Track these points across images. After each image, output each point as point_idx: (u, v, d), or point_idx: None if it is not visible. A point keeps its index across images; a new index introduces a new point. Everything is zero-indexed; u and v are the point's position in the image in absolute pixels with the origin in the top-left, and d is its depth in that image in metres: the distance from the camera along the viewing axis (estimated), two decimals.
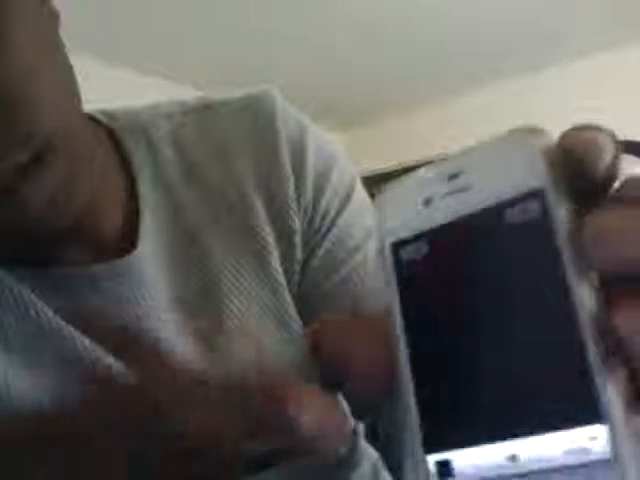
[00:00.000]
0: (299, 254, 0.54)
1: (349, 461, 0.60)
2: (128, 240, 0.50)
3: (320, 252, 0.54)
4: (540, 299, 0.22)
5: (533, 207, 0.22)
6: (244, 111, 0.56)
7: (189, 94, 0.61)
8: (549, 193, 0.22)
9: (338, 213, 0.55)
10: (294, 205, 0.54)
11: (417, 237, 0.25)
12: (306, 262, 0.54)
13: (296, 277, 0.54)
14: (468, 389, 0.23)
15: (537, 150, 0.22)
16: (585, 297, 0.21)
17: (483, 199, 0.23)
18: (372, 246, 0.55)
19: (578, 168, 0.22)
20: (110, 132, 0.53)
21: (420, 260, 0.24)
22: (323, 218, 0.55)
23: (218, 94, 0.59)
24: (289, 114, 0.56)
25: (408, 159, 4.85)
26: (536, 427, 0.21)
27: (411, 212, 0.25)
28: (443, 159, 0.25)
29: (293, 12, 3.45)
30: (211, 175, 0.54)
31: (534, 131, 0.23)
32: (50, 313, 0.47)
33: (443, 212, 0.24)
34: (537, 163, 0.22)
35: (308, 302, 0.54)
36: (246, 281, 0.52)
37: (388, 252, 0.25)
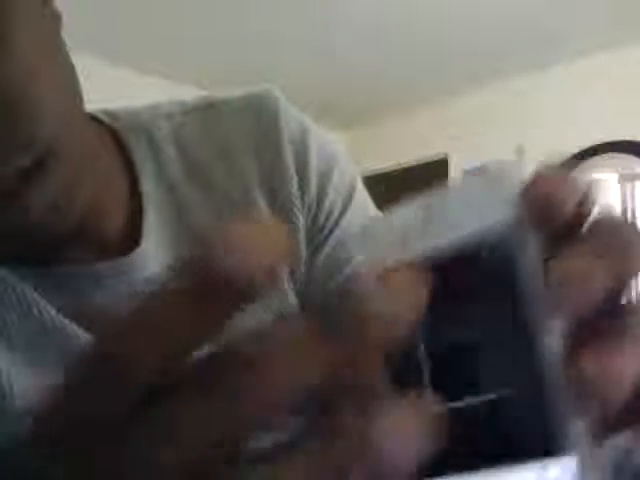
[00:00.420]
0: (303, 252, 0.54)
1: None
2: (131, 238, 0.50)
3: (324, 252, 0.55)
4: (509, 338, 0.22)
5: (504, 247, 0.22)
6: (246, 110, 0.56)
7: (190, 94, 0.61)
8: (519, 234, 0.22)
9: (341, 213, 0.55)
10: (298, 203, 0.54)
11: None
12: (310, 261, 0.55)
13: (300, 276, 0.54)
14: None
15: (508, 190, 0.22)
16: (552, 338, 0.21)
17: (456, 237, 0.23)
18: None
19: (545, 212, 0.22)
20: (112, 131, 0.54)
21: None
22: (327, 218, 0.55)
23: (219, 93, 0.59)
24: (291, 113, 0.57)
25: (408, 159, 4.86)
26: (506, 459, 0.22)
27: (386, 249, 0.25)
28: (418, 197, 0.25)
29: (294, 13, 3.45)
30: (214, 174, 0.54)
31: (506, 171, 0.23)
32: (53, 311, 0.47)
33: (417, 250, 0.24)
34: (508, 203, 0.22)
35: (312, 301, 0.54)
36: None
37: None
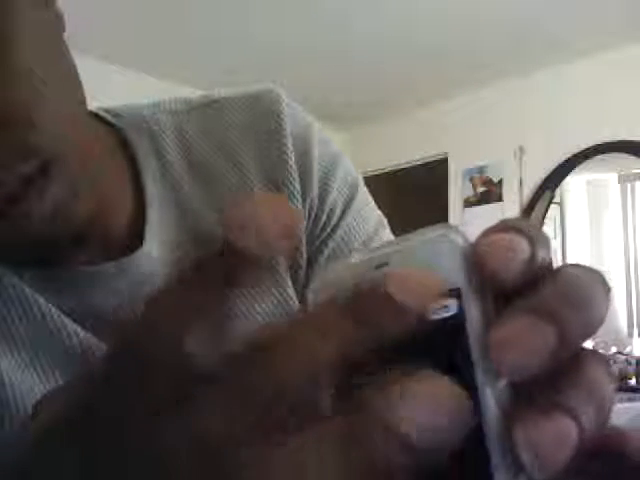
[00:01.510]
0: (304, 250, 0.54)
1: None
2: (133, 238, 0.50)
3: (326, 252, 0.54)
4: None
5: (451, 305, 0.22)
6: (249, 107, 0.56)
7: (187, 94, 0.61)
8: (466, 293, 0.22)
9: (343, 213, 0.55)
10: (299, 202, 0.54)
11: None
12: (311, 261, 0.55)
13: (302, 273, 0.54)
14: None
15: (457, 250, 0.23)
16: (492, 401, 0.21)
17: None
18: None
19: (490, 274, 0.22)
20: (114, 130, 0.54)
21: None
22: (329, 217, 0.55)
23: (221, 92, 0.59)
24: (294, 112, 0.56)
25: (408, 159, 4.86)
26: None
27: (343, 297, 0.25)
28: (372, 248, 0.25)
29: (294, 13, 3.45)
30: (217, 171, 0.54)
31: (456, 231, 0.23)
32: (56, 313, 0.47)
33: None
34: (456, 263, 0.22)
35: None
36: None
37: None
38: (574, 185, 4.05)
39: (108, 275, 0.48)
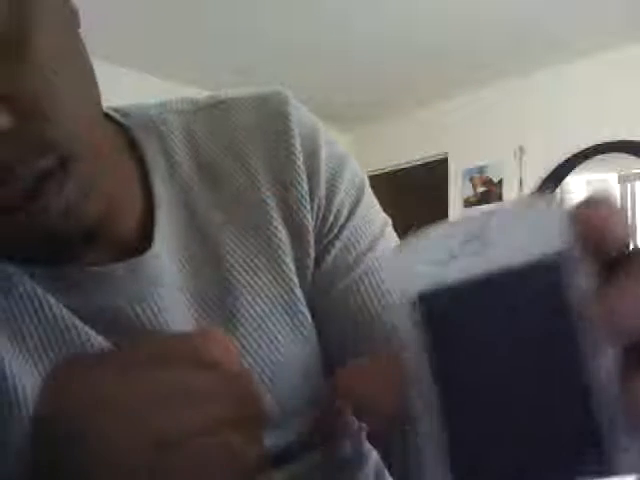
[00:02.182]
0: (312, 251, 0.54)
1: (352, 463, 0.60)
2: (143, 238, 0.50)
3: (332, 253, 0.54)
4: (556, 364, 0.22)
5: (552, 273, 0.22)
6: (257, 109, 0.56)
7: (191, 95, 0.61)
8: (568, 261, 0.22)
9: (350, 214, 0.55)
10: (307, 203, 0.54)
11: (435, 294, 0.25)
12: (318, 262, 0.55)
13: (309, 274, 0.54)
14: (490, 443, 0.24)
15: (558, 219, 0.23)
16: (600, 365, 0.22)
17: (502, 261, 0.24)
18: (381, 248, 0.55)
19: (595, 242, 0.22)
20: (122, 129, 0.54)
21: (438, 316, 0.25)
22: (336, 218, 0.55)
23: (226, 93, 0.59)
24: (302, 113, 0.56)
25: (408, 159, 4.86)
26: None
27: (429, 269, 0.25)
28: (464, 219, 0.25)
29: (294, 14, 3.45)
30: (224, 172, 0.54)
31: (555, 200, 0.24)
32: (66, 312, 0.47)
33: (461, 271, 0.24)
34: (557, 231, 0.23)
35: (320, 302, 0.54)
36: (259, 279, 0.52)
37: (407, 307, 0.26)
38: (574, 185, 4.05)
39: (117, 276, 0.48)
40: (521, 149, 4.16)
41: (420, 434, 0.25)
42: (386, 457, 0.57)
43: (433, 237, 0.26)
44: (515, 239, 0.24)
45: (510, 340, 0.23)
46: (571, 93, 4.01)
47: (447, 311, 0.25)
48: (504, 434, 0.23)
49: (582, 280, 0.22)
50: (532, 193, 0.24)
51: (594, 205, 0.23)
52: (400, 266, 0.26)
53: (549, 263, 0.23)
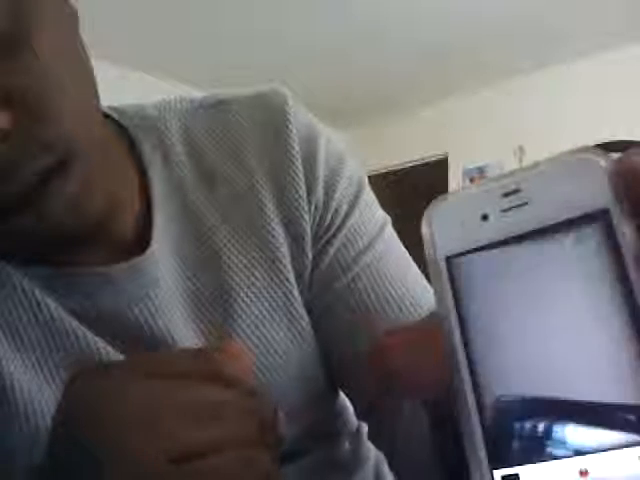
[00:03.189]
0: (310, 251, 0.54)
1: (351, 463, 0.60)
2: (141, 238, 0.50)
3: (331, 251, 0.54)
4: (604, 318, 0.22)
5: (597, 227, 0.22)
6: (256, 108, 0.56)
7: (191, 94, 0.61)
8: (614, 213, 0.22)
9: (348, 213, 0.55)
10: (305, 202, 0.54)
11: (473, 251, 0.25)
12: (316, 260, 0.54)
13: (307, 274, 0.54)
14: (534, 403, 0.23)
15: (601, 171, 0.22)
16: None
17: (543, 217, 0.23)
18: (380, 246, 0.55)
19: None
20: (121, 129, 0.54)
21: (476, 274, 0.25)
22: (333, 217, 0.55)
23: (224, 92, 0.59)
24: (300, 113, 0.56)
25: (408, 159, 4.86)
26: (608, 443, 0.21)
27: (466, 227, 0.25)
28: (500, 175, 0.25)
29: (295, 13, 3.45)
30: (222, 172, 0.54)
31: (597, 152, 0.23)
32: (64, 314, 0.47)
33: (499, 228, 0.24)
34: (601, 184, 0.22)
35: (319, 301, 0.54)
36: (256, 278, 0.52)
37: (442, 265, 0.25)
38: None
39: (116, 276, 0.48)
40: (521, 149, 4.16)
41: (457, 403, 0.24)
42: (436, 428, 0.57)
43: (467, 195, 0.25)
44: (556, 195, 0.23)
45: (550, 294, 0.23)
46: (571, 93, 4.01)
47: (478, 271, 0.24)
48: (552, 391, 0.23)
49: (629, 235, 0.22)
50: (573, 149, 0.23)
51: (638, 158, 0.22)
52: (434, 226, 0.25)
53: (594, 215, 0.22)
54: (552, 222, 0.23)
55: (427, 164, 4.71)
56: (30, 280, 0.47)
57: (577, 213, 0.22)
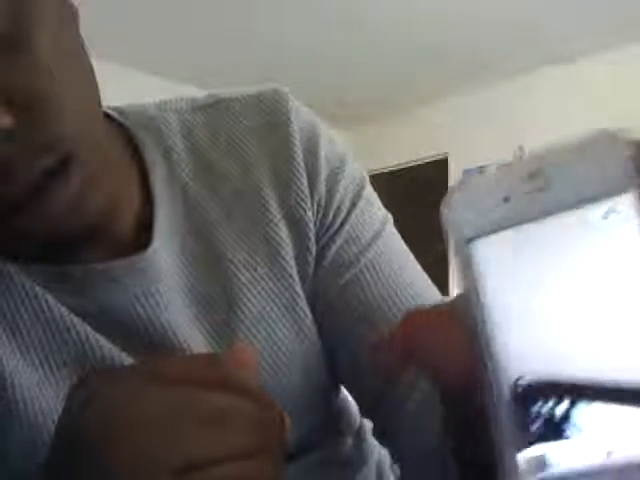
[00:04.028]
0: (313, 248, 0.54)
1: (354, 462, 0.60)
2: (142, 237, 0.50)
3: (333, 249, 0.54)
4: (631, 298, 0.22)
5: (622, 207, 0.22)
6: (257, 107, 0.56)
7: (191, 94, 0.61)
8: (637, 192, 0.22)
9: (350, 210, 0.55)
10: (307, 199, 0.54)
11: (495, 233, 0.24)
12: (319, 258, 0.55)
13: (310, 271, 0.54)
14: (560, 383, 0.23)
15: (625, 151, 0.22)
16: None
17: (565, 198, 0.23)
18: (382, 243, 0.55)
19: None
20: (121, 128, 0.54)
21: (499, 256, 0.24)
22: (336, 215, 0.55)
23: (225, 92, 0.59)
24: (301, 111, 0.57)
25: (408, 159, 4.86)
26: (633, 422, 0.21)
27: (488, 209, 0.25)
28: (521, 158, 0.24)
29: (295, 13, 3.45)
30: (223, 171, 0.54)
31: (620, 132, 0.23)
32: (65, 311, 0.47)
33: (522, 210, 0.24)
34: (625, 164, 0.22)
35: (323, 297, 0.54)
36: (259, 275, 0.52)
37: (464, 247, 0.25)
38: None
39: (117, 273, 0.48)
40: (521, 149, 4.16)
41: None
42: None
43: (489, 178, 0.25)
44: (578, 176, 0.23)
45: (574, 275, 0.22)
46: (571, 93, 4.00)
47: (501, 253, 0.24)
48: (578, 369, 0.22)
49: None
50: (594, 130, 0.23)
51: None
52: (455, 209, 0.25)
53: (620, 195, 0.22)
54: (575, 203, 0.23)
55: (427, 164, 4.70)
56: (31, 278, 0.47)
57: (600, 194, 0.22)
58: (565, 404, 0.23)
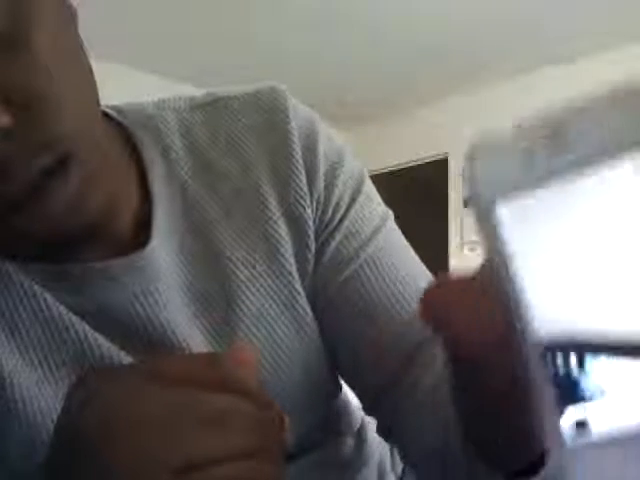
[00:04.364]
0: (312, 245, 0.54)
1: (354, 462, 0.60)
2: (141, 235, 0.50)
3: (333, 245, 0.55)
4: None
5: None
6: (255, 105, 0.56)
7: (190, 94, 0.61)
8: None
9: (349, 206, 0.55)
10: (306, 196, 0.54)
11: (520, 193, 0.23)
12: (319, 254, 0.55)
13: (310, 268, 0.54)
14: (595, 347, 0.22)
15: None
16: None
17: (592, 153, 0.22)
18: (382, 238, 0.55)
19: None
20: (120, 127, 0.54)
21: (524, 216, 0.23)
22: (335, 211, 0.55)
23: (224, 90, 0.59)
24: (299, 108, 0.57)
25: (408, 159, 4.86)
26: None
27: (511, 169, 0.24)
28: (542, 117, 0.23)
29: (294, 13, 3.45)
30: (222, 169, 0.54)
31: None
32: (64, 310, 0.47)
33: (547, 168, 0.23)
34: None
35: (323, 294, 0.54)
36: (258, 273, 0.52)
37: (486, 209, 0.24)
38: None
39: (116, 272, 0.48)
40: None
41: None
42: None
43: (510, 136, 0.24)
44: (604, 130, 0.22)
45: (601, 236, 0.22)
46: (571, 93, 4.00)
47: (524, 215, 0.23)
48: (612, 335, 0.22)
49: None
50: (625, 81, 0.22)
51: None
52: (476, 169, 0.24)
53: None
54: (602, 157, 0.22)
55: (427, 164, 4.71)
56: (30, 277, 0.47)
57: (630, 148, 0.21)
58: (606, 362, 0.22)
